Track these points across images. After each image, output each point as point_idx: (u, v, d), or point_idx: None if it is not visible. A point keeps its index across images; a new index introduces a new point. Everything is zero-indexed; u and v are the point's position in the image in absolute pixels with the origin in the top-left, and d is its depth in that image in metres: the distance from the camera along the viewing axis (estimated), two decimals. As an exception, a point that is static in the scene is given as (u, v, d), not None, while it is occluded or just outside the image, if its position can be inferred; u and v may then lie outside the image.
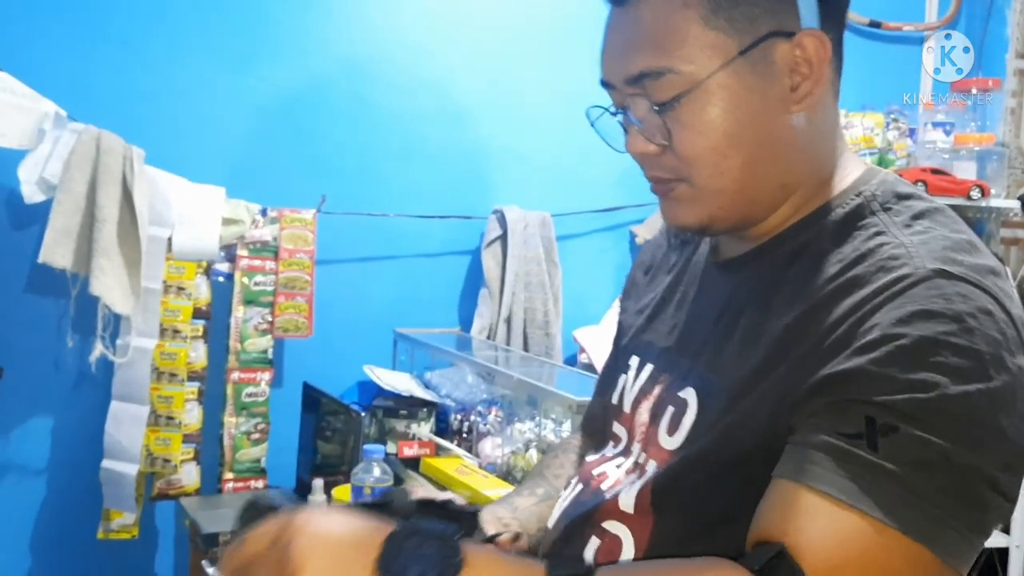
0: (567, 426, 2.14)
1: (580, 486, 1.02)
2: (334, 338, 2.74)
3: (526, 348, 2.87)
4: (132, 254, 2.29)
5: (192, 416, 2.50)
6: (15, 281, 2.48)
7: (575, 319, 2.96)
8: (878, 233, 0.82)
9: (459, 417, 2.49)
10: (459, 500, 0.98)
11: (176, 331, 2.45)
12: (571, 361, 2.95)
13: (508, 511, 1.10)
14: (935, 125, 3.09)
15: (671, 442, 0.89)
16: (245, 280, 2.55)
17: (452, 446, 2.41)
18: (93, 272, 2.23)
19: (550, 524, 1.03)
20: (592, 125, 0.93)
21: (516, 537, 1.05)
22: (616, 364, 1.09)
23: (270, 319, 2.57)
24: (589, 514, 0.95)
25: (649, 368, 1.00)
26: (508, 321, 2.86)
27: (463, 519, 0.90)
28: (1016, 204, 3.07)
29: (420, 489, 1.56)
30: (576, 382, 2.30)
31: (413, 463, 2.37)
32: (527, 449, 2.23)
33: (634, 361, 1.03)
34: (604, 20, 0.89)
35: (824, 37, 0.84)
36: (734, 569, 0.72)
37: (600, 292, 3.00)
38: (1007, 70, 3.29)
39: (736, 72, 0.83)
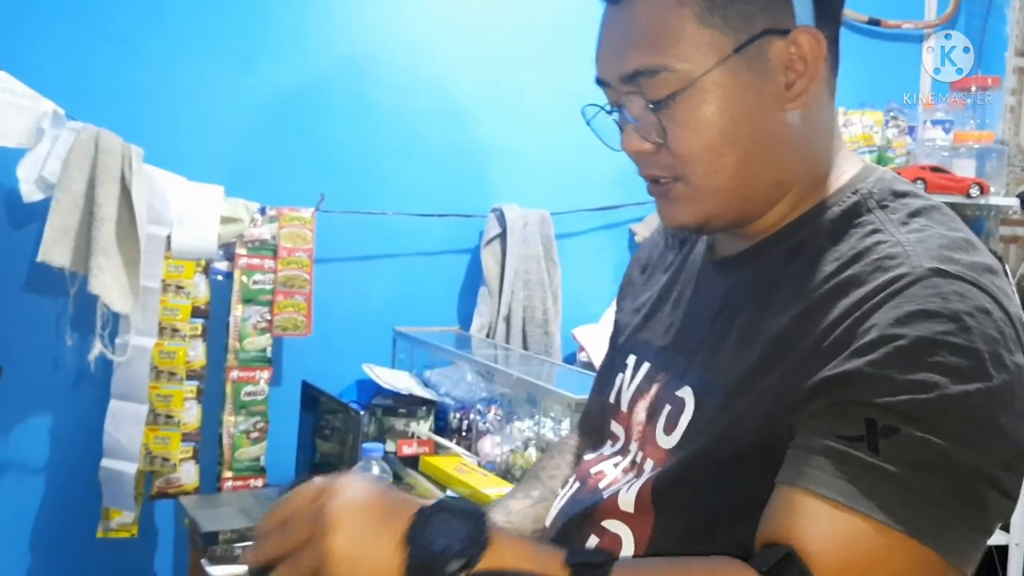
0: (566, 424, 2.15)
1: (577, 484, 1.02)
2: (333, 337, 2.74)
3: (525, 346, 2.87)
4: (131, 253, 2.29)
5: (191, 415, 2.50)
6: (14, 280, 2.48)
7: (574, 317, 2.96)
8: (875, 231, 0.82)
9: (458, 415, 2.49)
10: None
11: (175, 330, 2.45)
12: (570, 359, 2.95)
13: (503, 514, 1.10)
14: (934, 123, 3.09)
15: (668, 441, 0.89)
16: (244, 279, 2.55)
17: (451, 444, 2.41)
18: (92, 271, 2.23)
19: (547, 523, 1.03)
20: (588, 123, 0.93)
21: None
22: (613, 363, 1.09)
23: (269, 318, 2.56)
24: (588, 513, 0.95)
25: (646, 367, 1.00)
26: (507, 319, 2.86)
27: None
28: (1015, 202, 3.07)
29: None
30: (575, 380, 2.30)
31: (412, 461, 2.38)
32: (526, 447, 2.23)
33: (631, 360, 1.03)
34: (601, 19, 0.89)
35: (819, 34, 0.84)
36: (744, 569, 0.72)
37: (599, 290, 3.00)
38: (1006, 68, 3.29)
39: (731, 70, 0.83)
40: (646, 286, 1.10)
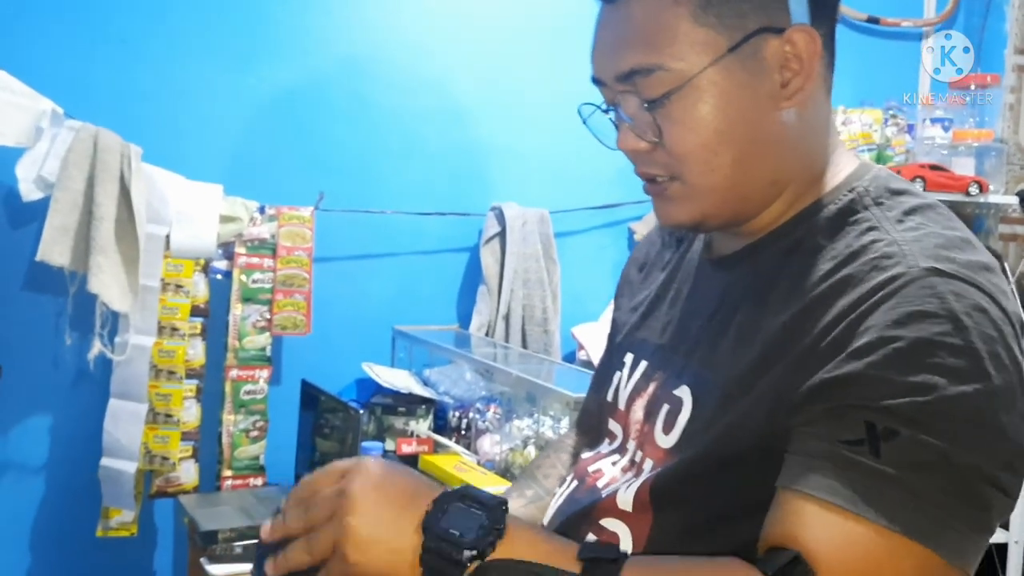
0: (565, 423, 2.15)
1: (575, 483, 1.02)
2: (332, 335, 2.74)
3: (524, 345, 2.87)
4: (130, 252, 2.29)
5: (190, 414, 2.50)
6: (13, 279, 2.48)
7: (574, 316, 2.96)
8: (870, 228, 0.82)
9: (457, 414, 2.49)
10: None
11: (174, 329, 2.45)
12: (570, 358, 2.95)
13: None
14: (934, 121, 3.09)
15: (667, 440, 0.89)
16: (243, 278, 2.55)
17: (450, 443, 2.41)
18: (91, 270, 2.23)
19: (545, 521, 1.03)
20: (584, 122, 0.93)
21: None
22: (611, 361, 1.09)
23: (268, 316, 2.57)
24: (586, 511, 0.95)
25: (643, 365, 1.00)
26: (507, 318, 2.86)
27: None
28: (1015, 200, 3.06)
29: None
30: (574, 379, 2.30)
31: (412, 460, 2.37)
32: (525, 446, 2.23)
33: (628, 358, 1.03)
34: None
35: (814, 33, 0.84)
36: (752, 572, 0.72)
37: (599, 289, 3.00)
38: (1006, 66, 3.29)
39: (726, 69, 0.83)
40: (644, 284, 1.10)
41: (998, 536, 2.81)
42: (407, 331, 2.85)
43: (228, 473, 2.54)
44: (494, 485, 2.04)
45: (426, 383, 2.65)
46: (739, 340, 0.86)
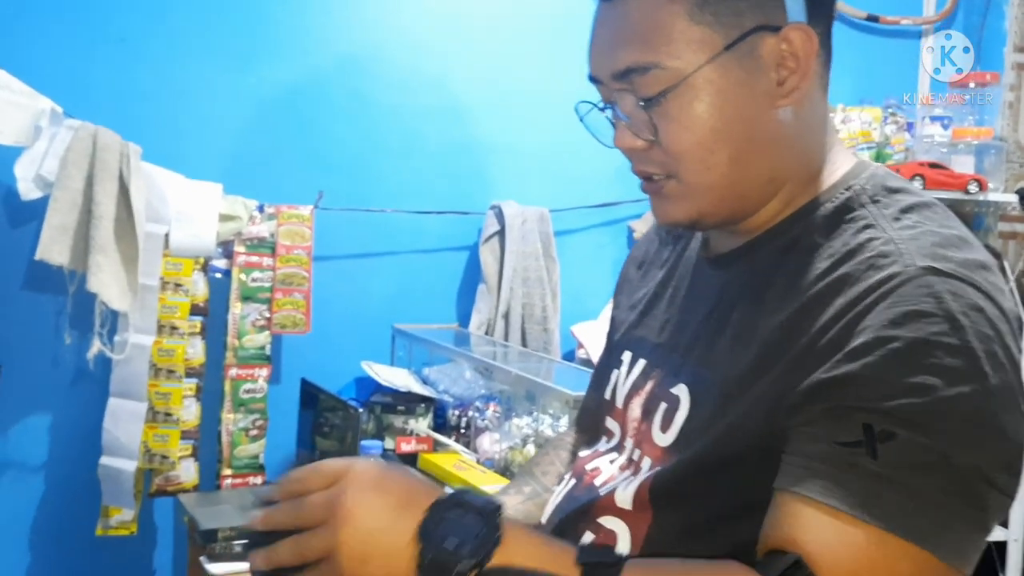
0: (565, 421, 2.15)
1: (573, 481, 1.02)
2: (332, 334, 2.74)
3: (524, 344, 2.87)
4: (129, 251, 2.29)
5: (190, 412, 2.50)
6: (13, 278, 2.48)
7: (573, 315, 2.96)
8: (867, 227, 0.82)
9: (457, 413, 2.49)
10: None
11: (174, 327, 2.45)
12: (569, 357, 2.95)
13: None
14: (933, 119, 3.09)
15: (665, 439, 0.89)
16: (242, 276, 2.55)
17: (450, 442, 2.41)
18: (90, 269, 2.23)
19: (543, 519, 1.03)
20: (581, 120, 0.93)
21: None
22: (609, 359, 1.09)
23: (268, 315, 2.57)
24: (584, 509, 0.95)
25: (641, 363, 1.00)
26: (506, 317, 2.86)
27: None
28: (1014, 198, 3.06)
29: None
30: (574, 377, 2.30)
31: (411, 459, 2.38)
32: (525, 444, 2.23)
33: (626, 356, 1.03)
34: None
35: (811, 31, 0.84)
36: (751, 574, 0.72)
37: (598, 287, 3.00)
38: (1005, 64, 3.29)
39: (722, 67, 0.83)
40: (642, 282, 1.10)
41: (997, 534, 2.81)
42: (406, 330, 2.84)
43: (228, 472, 2.54)
44: (493, 483, 2.04)
45: (425, 382, 2.65)
46: (736, 339, 0.86)
